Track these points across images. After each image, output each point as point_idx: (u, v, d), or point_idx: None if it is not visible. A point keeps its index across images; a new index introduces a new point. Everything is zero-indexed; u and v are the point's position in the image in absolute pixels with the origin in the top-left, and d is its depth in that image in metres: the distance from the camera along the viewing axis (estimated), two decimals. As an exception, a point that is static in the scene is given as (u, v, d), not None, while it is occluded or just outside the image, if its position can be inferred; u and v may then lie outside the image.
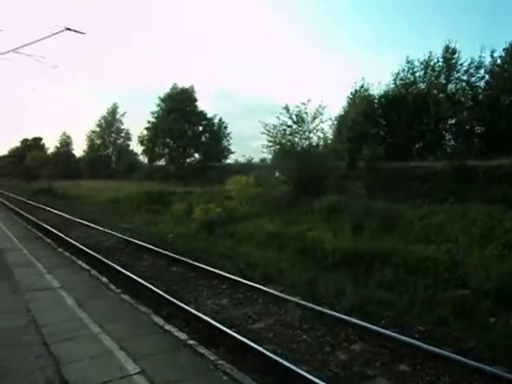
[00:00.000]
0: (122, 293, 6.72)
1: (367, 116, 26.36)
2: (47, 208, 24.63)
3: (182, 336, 4.81)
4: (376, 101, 29.52)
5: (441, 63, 28.48)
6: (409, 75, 29.88)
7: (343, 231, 12.07)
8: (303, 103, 17.95)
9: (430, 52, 28.89)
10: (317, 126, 18.05)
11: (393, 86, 30.59)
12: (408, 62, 29.84)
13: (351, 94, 30.91)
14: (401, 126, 27.06)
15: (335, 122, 28.79)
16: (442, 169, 20.23)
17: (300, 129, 18.02)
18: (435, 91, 27.75)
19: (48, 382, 3.46)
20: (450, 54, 28.27)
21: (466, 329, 6.11)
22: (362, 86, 29.90)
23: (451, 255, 9.30)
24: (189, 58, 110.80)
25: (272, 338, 5.75)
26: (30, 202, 29.91)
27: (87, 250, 11.28)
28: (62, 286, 6.69)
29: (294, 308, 6.87)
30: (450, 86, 28.08)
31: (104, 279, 7.61)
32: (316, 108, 18.08)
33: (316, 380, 4.36)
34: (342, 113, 30.89)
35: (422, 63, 29.06)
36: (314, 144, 18.41)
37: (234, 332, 5.60)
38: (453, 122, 28.40)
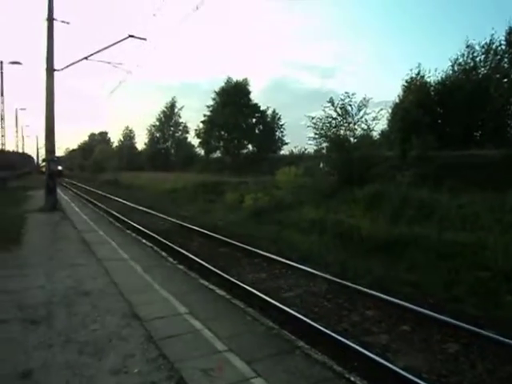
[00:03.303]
0: (178, 264, 8.21)
1: (421, 104, 26.07)
2: (114, 197, 27.30)
3: (222, 293, 6.14)
4: (432, 88, 28.89)
5: (504, 46, 27.19)
6: (468, 60, 28.73)
7: (381, 219, 12.81)
8: (348, 96, 18.55)
9: (492, 35, 27.24)
10: (361, 117, 18.56)
11: (451, 72, 29.74)
12: (468, 47, 28.39)
13: (406, 81, 30.47)
14: (459, 114, 26.30)
15: (389, 111, 28.62)
16: (500, 157, 19.91)
17: (345, 121, 18.65)
18: (497, 76, 26.65)
19: (124, 315, 4.90)
20: (514, 35, 26.89)
21: (478, 305, 6.82)
22: (418, 73, 29.27)
23: (480, 241, 9.80)
24: (243, 49, 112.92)
25: (298, 303, 6.88)
26: (99, 191, 33.02)
27: (149, 232, 13.05)
28: (131, 258, 8.27)
29: (322, 282, 7.93)
30: (513, 70, 26.83)
31: (164, 254, 9.18)
32: (360, 100, 18.60)
33: (328, 331, 5.46)
34: (397, 101, 30.62)
35: (482, 47, 27.62)
36: (358, 135, 18.91)
37: (266, 296, 6.81)
38: (516, 108, 27.15)
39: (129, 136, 75.65)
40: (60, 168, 53.30)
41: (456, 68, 29.25)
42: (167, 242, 11.33)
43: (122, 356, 3.87)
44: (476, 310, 6.34)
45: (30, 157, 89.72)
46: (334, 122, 18.75)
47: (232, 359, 3.82)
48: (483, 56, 28.17)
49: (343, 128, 18.81)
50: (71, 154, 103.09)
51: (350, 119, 18.55)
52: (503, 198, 12.85)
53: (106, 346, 4.08)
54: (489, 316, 6.08)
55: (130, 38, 17.16)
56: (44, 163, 53.01)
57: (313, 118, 19.06)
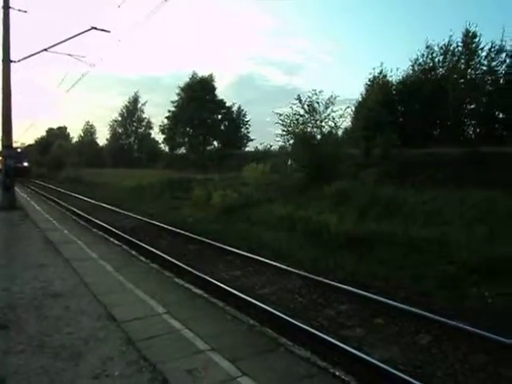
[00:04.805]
0: (150, 263, 8.04)
1: (384, 103, 26.76)
2: (76, 195, 26.38)
3: (199, 291, 6.06)
4: (394, 87, 29.70)
5: (460, 48, 28.27)
6: (428, 60, 29.75)
7: (349, 215, 13.05)
8: (315, 93, 18.76)
9: (450, 36, 28.23)
10: (328, 115, 18.83)
11: (411, 72, 30.66)
12: (427, 47, 29.38)
13: (369, 80, 31.19)
14: (419, 113, 27.14)
15: (353, 109, 29.16)
16: (458, 155, 20.77)
17: (312, 118, 18.86)
18: (455, 76, 27.68)
19: (99, 317, 4.72)
20: (470, 38, 27.90)
21: (446, 297, 7.08)
22: (380, 72, 30.07)
23: (444, 236, 10.19)
24: (208, 44, 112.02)
25: (274, 300, 6.90)
26: (60, 189, 31.80)
27: (116, 230, 12.71)
28: (100, 257, 8.00)
29: (296, 278, 7.99)
30: (469, 71, 27.99)
31: (134, 252, 8.96)
32: (327, 98, 18.85)
33: (304, 326, 5.51)
34: (360, 99, 31.29)
35: (441, 48, 28.71)
36: (325, 133, 19.18)
37: (242, 294, 6.79)
38: (472, 107, 28.37)
39: (89, 131, 73.41)
40: (26, 164, 48.25)
41: (416, 68, 30.23)
42: (136, 241, 11.06)
43: (101, 359, 3.72)
44: (445, 302, 6.58)
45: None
46: (301, 119, 18.93)
47: (216, 358, 3.76)
48: (441, 57, 29.19)
49: (310, 125, 19.04)
50: (27, 149, 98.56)
51: (317, 116, 18.78)
52: (464, 194, 13.44)
53: (82, 350, 3.91)
54: (457, 308, 6.32)
55: (93, 30, 16.61)
56: (-1, 159, 49.63)
57: (280, 115, 19.18)
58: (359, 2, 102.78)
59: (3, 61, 16.42)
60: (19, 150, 47.73)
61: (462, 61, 28.23)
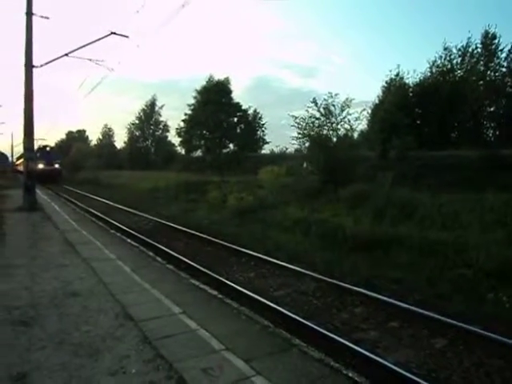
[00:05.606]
0: (167, 264, 8.17)
1: (401, 106, 26.51)
2: (94, 196, 26.87)
3: (214, 292, 6.14)
4: (411, 89, 29.39)
5: (480, 49, 27.84)
6: (446, 62, 29.36)
7: (364, 218, 12.99)
8: (331, 96, 18.73)
9: (469, 38, 27.90)
10: (344, 118, 18.76)
11: (429, 74, 30.30)
12: (445, 49, 29.02)
13: (386, 82, 30.95)
14: (436, 115, 26.79)
15: (369, 112, 28.97)
16: (477, 158, 20.46)
17: (328, 121, 18.83)
18: (473, 78, 27.25)
19: (117, 316, 4.84)
20: (489, 39, 27.51)
21: (462, 301, 7.00)
22: (397, 75, 29.79)
23: (460, 239, 10.06)
24: (225, 48, 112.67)
25: (288, 302, 6.95)
26: (79, 190, 32.42)
27: (133, 232, 12.92)
28: (118, 257, 8.16)
29: (310, 280, 8.01)
30: (489, 73, 27.53)
31: (150, 253, 9.11)
32: (343, 101, 18.79)
33: (320, 329, 5.54)
34: (377, 101, 31.09)
35: (459, 50, 28.37)
36: (341, 135, 19.12)
37: (257, 295, 6.85)
38: (491, 109, 27.89)
39: (108, 134, 74.57)
40: (57, 166, 44.88)
41: (434, 70, 29.87)
42: (153, 242, 11.25)
43: (118, 357, 3.82)
44: (461, 306, 6.52)
45: (2, 154, 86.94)
46: (317, 121, 18.91)
47: (230, 358, 3.82)
48: (460, 59, 28.72)
49: (326, 128, 19.01)
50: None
51: (333, 119, 18.74)
52: (481, 197, 13.24)
53: (100, 348, 4.02)
54: (473, 312, 6.25)
55: (112, 35, 16.92)
56: (19, 161, 49.19)
57: (296, 118, 19.19)
58: (375, 4, 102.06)
59: (26, 66, 16.85)
60: (48, 148, 45.54)
61: (481, 62, 27.80)
